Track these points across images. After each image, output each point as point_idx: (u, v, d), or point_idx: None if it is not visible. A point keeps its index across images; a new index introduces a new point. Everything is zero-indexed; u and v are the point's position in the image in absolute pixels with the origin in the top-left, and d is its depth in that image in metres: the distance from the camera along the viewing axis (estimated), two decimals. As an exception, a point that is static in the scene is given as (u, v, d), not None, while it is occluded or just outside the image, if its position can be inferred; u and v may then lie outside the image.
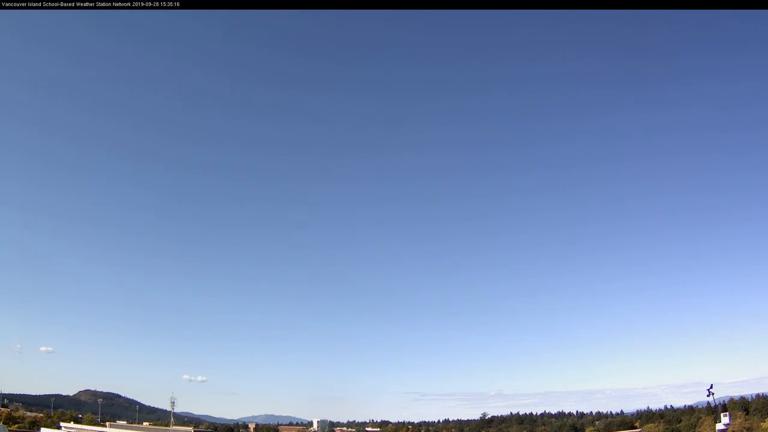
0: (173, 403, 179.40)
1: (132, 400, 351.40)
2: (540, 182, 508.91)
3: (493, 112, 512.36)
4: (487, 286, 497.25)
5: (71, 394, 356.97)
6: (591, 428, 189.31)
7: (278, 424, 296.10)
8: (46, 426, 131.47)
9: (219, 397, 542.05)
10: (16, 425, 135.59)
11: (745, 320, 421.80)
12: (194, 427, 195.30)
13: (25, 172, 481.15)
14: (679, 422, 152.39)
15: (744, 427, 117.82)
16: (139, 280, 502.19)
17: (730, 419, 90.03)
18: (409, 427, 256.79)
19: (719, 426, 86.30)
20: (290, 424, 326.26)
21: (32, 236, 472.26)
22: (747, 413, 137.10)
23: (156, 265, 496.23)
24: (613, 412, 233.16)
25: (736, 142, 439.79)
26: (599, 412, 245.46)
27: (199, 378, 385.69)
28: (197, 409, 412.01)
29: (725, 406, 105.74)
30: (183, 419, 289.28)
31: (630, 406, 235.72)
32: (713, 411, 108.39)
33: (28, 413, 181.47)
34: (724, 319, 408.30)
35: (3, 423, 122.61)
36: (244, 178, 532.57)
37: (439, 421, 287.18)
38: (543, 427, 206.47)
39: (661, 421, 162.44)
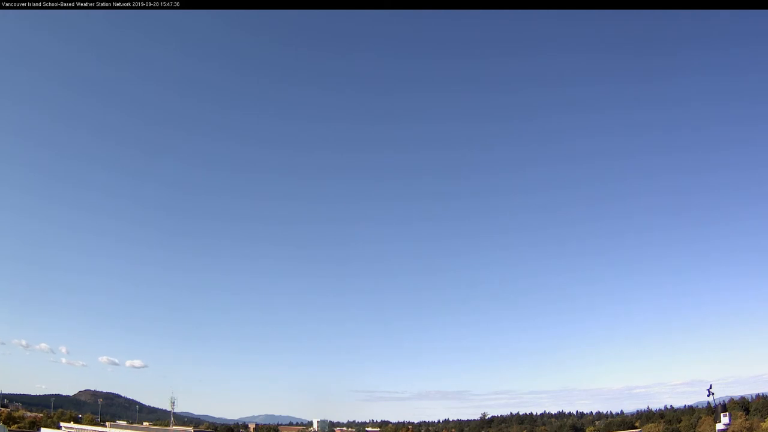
0: (173, 403, 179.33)
1: (132, 400, 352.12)
2: (540, 181, 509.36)
3: (493, 111, 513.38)
4: (487, 286, 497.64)
5: (71, 394, 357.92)
6: (591, 428, 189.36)
7: (278, 424, 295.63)
8: (46, 426, 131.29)
9: (219, 397, 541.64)
10: (16, 425, 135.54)
11: (745, 320, 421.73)
12: (194, 427, 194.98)
13: (36, 163, 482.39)
14: (679, 422, 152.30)
15: (744, 427, 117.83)
16: (139, 278, 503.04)
17: (730, 419, 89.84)
18: (409, 427, 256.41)
19: (719, 426, 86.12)
20: (290, 424, 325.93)
21: (33, 233, 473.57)
22: (747, 413, 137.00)
23: (155, 264, 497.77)
24: (613, 412, 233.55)
25: (738, 140, 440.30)
26: (599, 412, 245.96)
27: (197, 378, 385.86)
28: (197, 409, 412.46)
29: (725, 406, 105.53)
30: (183, 419, 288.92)
31: (630, 406, 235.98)
32: (713, 411, 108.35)
33: (28, 413, 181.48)
34: (724, 319, 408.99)
35: (3, 423, 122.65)
36: (244, 176, 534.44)
37: (439, 421, 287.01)
38: (543, 427, 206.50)
39: (661, 421, 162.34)
